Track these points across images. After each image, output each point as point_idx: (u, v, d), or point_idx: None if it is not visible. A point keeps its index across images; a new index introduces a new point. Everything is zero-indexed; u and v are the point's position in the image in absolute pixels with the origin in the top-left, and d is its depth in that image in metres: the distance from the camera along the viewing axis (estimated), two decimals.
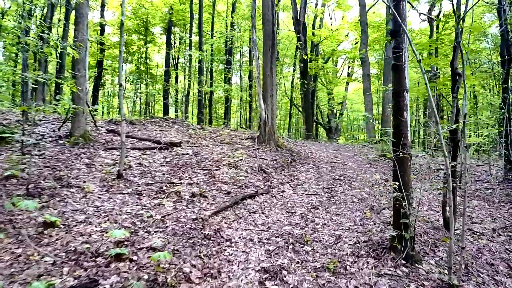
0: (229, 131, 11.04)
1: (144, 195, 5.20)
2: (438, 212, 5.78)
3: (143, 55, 22.14)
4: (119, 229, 4.04)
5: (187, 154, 7.40)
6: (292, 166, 7.98)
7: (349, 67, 30.60)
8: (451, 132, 4.77)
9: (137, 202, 4.93)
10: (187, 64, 21.08)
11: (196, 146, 8.24)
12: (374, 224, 4.91)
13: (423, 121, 20.87)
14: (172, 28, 20.31)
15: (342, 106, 30.15)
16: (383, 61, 14.57)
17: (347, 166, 8.72)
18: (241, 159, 7.39)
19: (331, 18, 30.20)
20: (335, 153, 10.59)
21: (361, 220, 5.08)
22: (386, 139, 4.19)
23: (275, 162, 7.80)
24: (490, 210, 6.13)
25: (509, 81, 10.48)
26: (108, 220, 4.27)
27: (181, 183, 5.75)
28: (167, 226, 4.30)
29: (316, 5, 25.05)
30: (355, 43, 27.20)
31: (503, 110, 9.48)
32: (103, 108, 25.19)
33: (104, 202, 4.77)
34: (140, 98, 24.68)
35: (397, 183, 3.86)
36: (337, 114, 29.18)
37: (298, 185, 6.82)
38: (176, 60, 23.73)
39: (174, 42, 23.55)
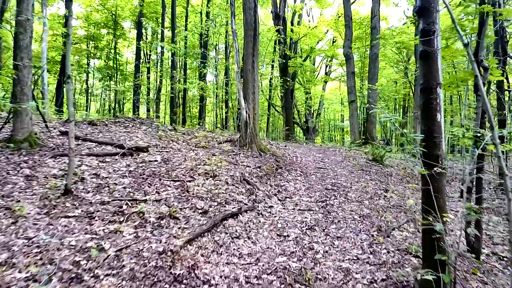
0: (205, 133, 9.92)
1: (96, 218, 4.04)
2: (452, 230, 4.94)
3: (113, 50, 20.54)
4: (53, 274, 2.91)
5: (155, 161, 6.26)
6: (278, 174, 6.98)
7: (327, 66, 30.07)
8: (477, 138, 3.91)
9: (86, 229, 3.77)
10: (159, 57, 19.72)
11: (167, 151, 7.09)
12: (388, 252, 3.99)
13: (400, 121, 20.52)
14: (143, 21, 18.90)
15: (319, 106, 29.63)
16: (369, 58, 13.86)
17: (338, 173, 7.82)
18: (219, 167, 6.33)
19: (308, 15, 29.52)
20: (322, 157, 9.70)
21: (370, 246, 4.14)
22: (407, 143, 3.26)
23: (259, 169, 6.78)
24: (507, 225, 5.36)
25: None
26: (40, 259, 3.11)
27: (146, 200, 4.63)
28: (123, 265, 3.19)
29: (295, 0, 24.27)
30: (333, 42, 26.70)
31: (500, 112, 8.90)
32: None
33: (40, 231, 3.59)
34: (110, 96, 23.08)
35: (426, 207, 2.94)
36: (314, 114, 28.59)
37: (287, 197, 5.83)
38: (148, 56, 22.31)
39: (146, 38, 22.12)
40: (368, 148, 12.70)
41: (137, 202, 4.55)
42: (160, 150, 7.07)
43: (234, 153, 7.49)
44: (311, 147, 12.71)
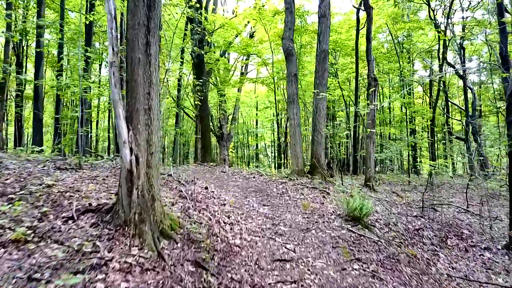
0: (51, 189, 5.00)
1: None
2: None
3: None
4: None
5: None
6: None
7: (243, 66, 26.61)
8: None
9: None
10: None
11: None
12: None
13: (342, 130, 17.95)
14: None
15: (234, 110, 26.25)
16: (316, 57, 10.41)
17: (322, 279, 3.93)
18: None
19: (223, 5, 25.68)
20: (272, 216, 5.77)
21: None
22: None
23: None
24: None
25: None
26: None
27: None
28: None
29: None
30: (251, 36, 23.34)
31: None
32: None
33: None
34: None
35: None
36: (230, 119, 25.04)
37: None
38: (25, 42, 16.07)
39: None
40: (317, 179, 9.23)
41: None
42: None
43: (98, 259, 3.05)
44: (241, 180, 8.66)
